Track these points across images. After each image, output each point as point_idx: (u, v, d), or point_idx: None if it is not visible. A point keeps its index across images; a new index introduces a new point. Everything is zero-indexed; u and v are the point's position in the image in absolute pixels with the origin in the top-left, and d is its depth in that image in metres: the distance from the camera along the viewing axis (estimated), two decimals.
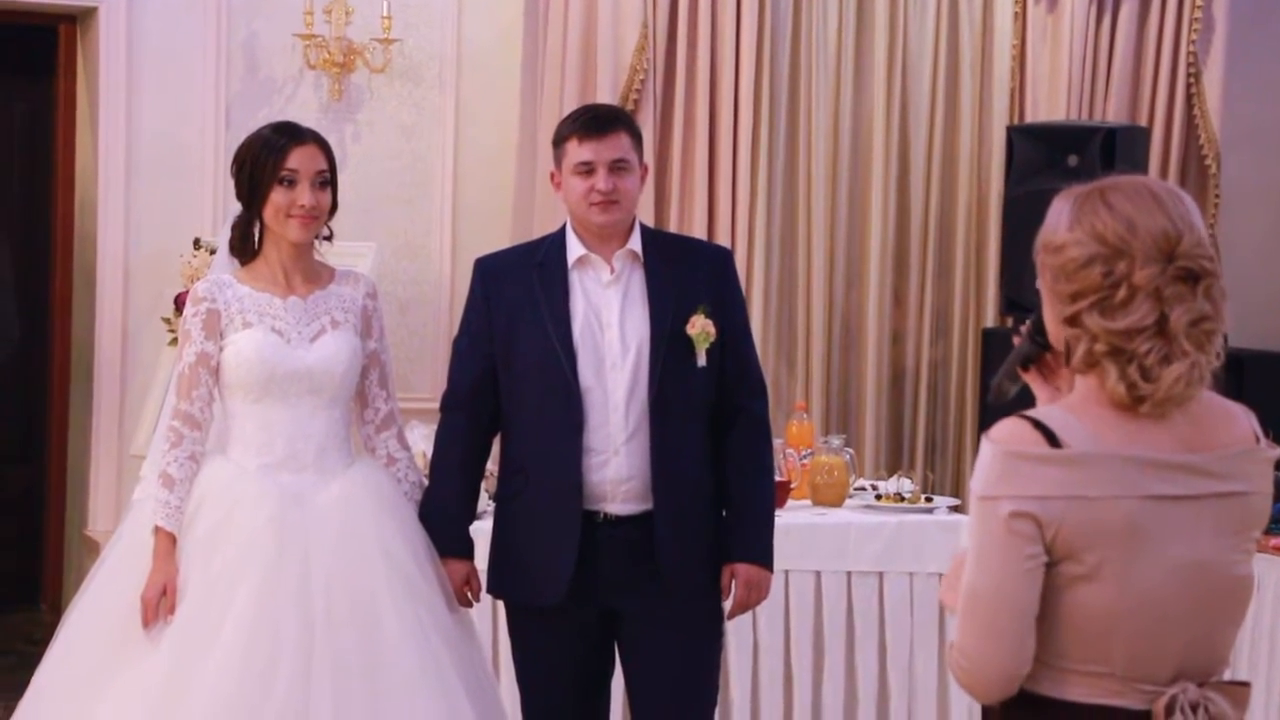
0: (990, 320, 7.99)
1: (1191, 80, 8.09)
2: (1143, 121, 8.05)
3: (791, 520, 5.54)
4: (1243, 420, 2.63)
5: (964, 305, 8.03)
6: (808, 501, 5.90)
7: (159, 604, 3.98)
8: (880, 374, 7.90)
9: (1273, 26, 8.55)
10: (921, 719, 5.72)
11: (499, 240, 6.84)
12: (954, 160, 8.00)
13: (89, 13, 7.46)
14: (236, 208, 4.27)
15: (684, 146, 7.60)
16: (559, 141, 4.32)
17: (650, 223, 6.73)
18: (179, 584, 4.00)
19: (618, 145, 4.26)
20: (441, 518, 4.30)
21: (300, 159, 4.15)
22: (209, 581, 4.00)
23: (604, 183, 4.24)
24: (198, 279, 4.87)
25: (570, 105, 6.85)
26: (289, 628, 3.94)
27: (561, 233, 4.37)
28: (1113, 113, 8.02)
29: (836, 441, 6.03)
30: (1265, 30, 8.51)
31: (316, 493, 4.14)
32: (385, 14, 7.29)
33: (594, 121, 4.29)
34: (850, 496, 5.96)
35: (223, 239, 4.33)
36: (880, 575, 5.70)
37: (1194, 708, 2.53)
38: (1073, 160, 7.43)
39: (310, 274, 4.27)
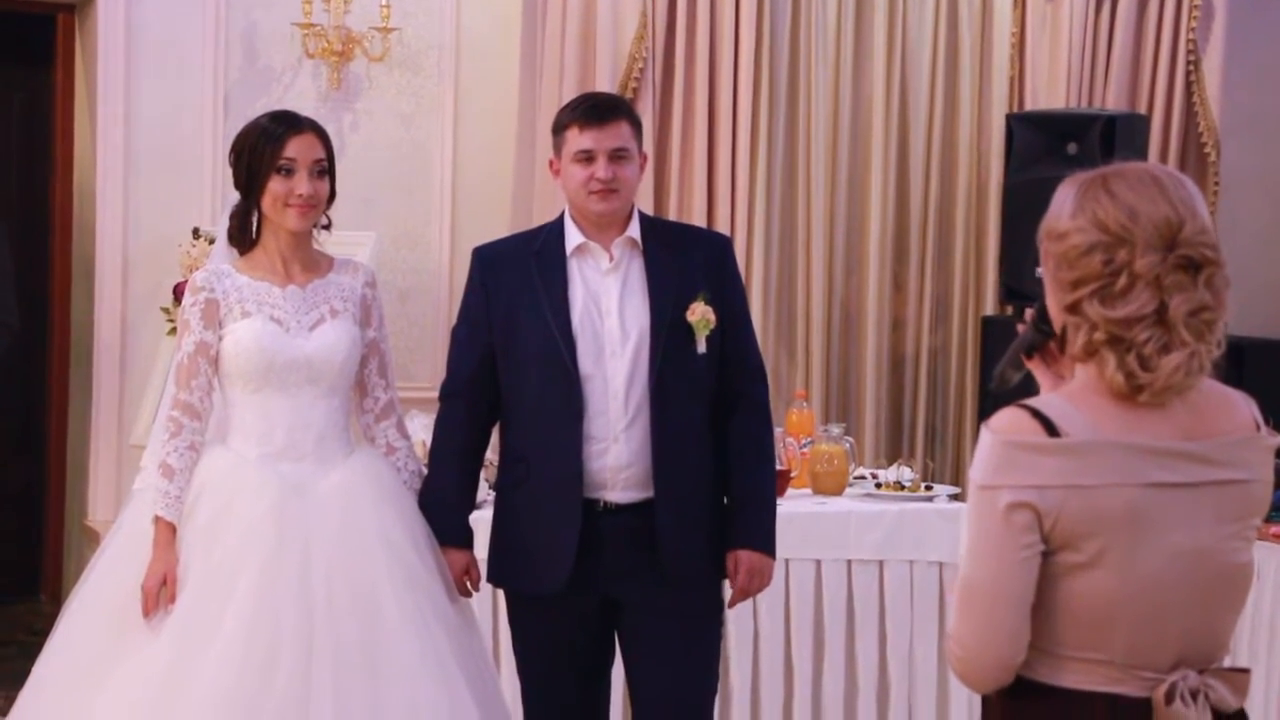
0: (990, 308, 7.99)
1: (1191, 68, 8.09)
2: (1142, 109, 8.04)
3: (792, 509, 5.54)
4: (1243, 407, 2.63)
5: (963, 293, 8.03)
6: (808, 490, 5.90)
7: (159, 594, 3.98)
8: (880, 362, 7.90)
9: (1272, 14, 8.54)
10: (922, 707, 5.72)
11: (498, 229, 6.83)
12: (953, 148, 8.00)
13: (87, 1, 7.45)
14: (235, 197, 4.27)
15: (683, 135, 7.59)
16: (559, 129, 4.32)
17: (649, 211, 6.73)
18: (179, 574, 4.00)
19: (618, 134, 4.25)
20: (441, 507, 4.30)
21: (298, 148, 4.15)
22: (209, 571, 4.00)
23: (604, 171, 4.24)
24: (196, 268, 4.87)
25: (569, 94, 6.85)
26: (289, 617, 3.94)
27: (560, 221, 4.37)
28: (1112, 100, 8.01)
29: (836, 430, 6.04)
30: (1264, 18, 8.50)
31: (316, 482, 4.14)
32: (384, 2, 7.28)
33: (594, 110, 4.28)
34: (850, 485, 5.96)
35: (221, 228, 4.33)
36: (880, 564, 5.70)
37: (1194, 695, 2.53)
38: (1072, 148, 7.43)
39: (309, 263, 4.26)
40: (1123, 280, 2.49)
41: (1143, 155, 7.54)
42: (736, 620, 5.45)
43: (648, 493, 4.24)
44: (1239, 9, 8.20)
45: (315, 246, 4.31)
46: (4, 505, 8.60)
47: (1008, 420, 2.52)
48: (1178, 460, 2.51)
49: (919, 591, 5.71)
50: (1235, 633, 2.71)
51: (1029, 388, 2.72)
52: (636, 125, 4.34)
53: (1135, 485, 2.49)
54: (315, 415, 4.18)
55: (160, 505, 4.05)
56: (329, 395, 4.20)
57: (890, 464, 6.42)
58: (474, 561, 4.33)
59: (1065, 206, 2.57)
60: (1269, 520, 5.33)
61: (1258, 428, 2.62)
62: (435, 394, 4.48)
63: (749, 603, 4.89)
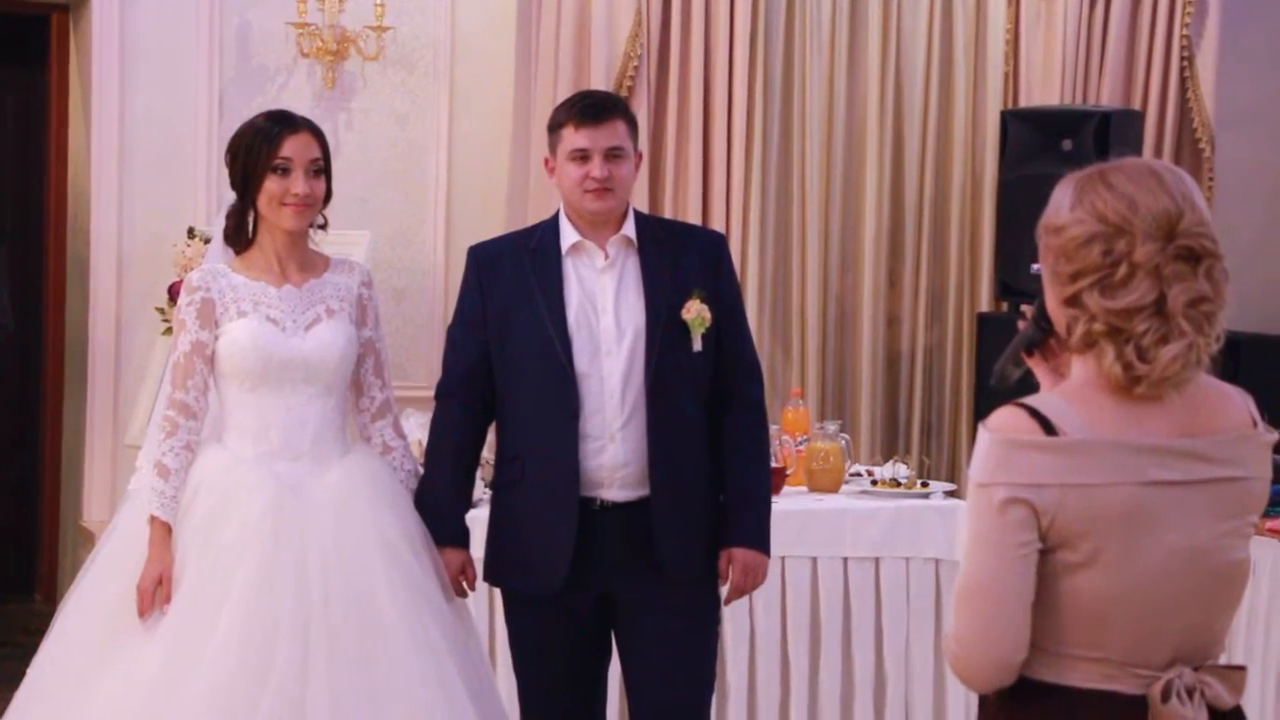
0: (985, 304, 7.99)
1: (1185, 63, 8.09)
2: (1137, 105, 8.04)
3: (788, 506, 5.54)
4: (1240, 404, 2.63)
5: (959, 289, 8.03)
6: (804, 488, 5.90)
7: (155, 593, 3.98)
8: (875, 359, 7.90)
9: (1266, 9, 8.54)
10: (918, 703, 5.72)
11: (493, 227, 6.83)
12: (948, 144, 7.99)
13: (81, 2, 7.44)
14: (230, 196, 4.27)
15: (678, 133, 7.59)
16: (554, 128, 4.32)
17: (645, 209, 6.73)
18: (175, 573, 4.00)
19: (613, 132, 4.25)
20: (437, 506, 4.29)
21: (294, 147, 4.15)
22: (205, 571, 4.00)
23: (599, 170, 4.23)
24: (191, 268, 4.87)
25: (564, 92, 6.84)
26: (286, 616, 3.94)
27: (555, 219, 4.37)
28: (1107, 96, 8.01)
29: (832, 427, 6.03)
30: (1258, 13, 8.50)
31: (313, 481, 4.13)
32: (378, 1, 7.27)
33: (590, 108, 4.28)
34: (846, 482, 5.96)
35: (217, 228, 4.32)
36: (876, 561, 5.70)
37: (1190, 692, 2.53)
38: (1067, 144, 7.43)
39: (305, 262, 4.26)
40: (1122, 270, 2.48)
41: (1137, 151, 7.53)
42: (733, 618, 5.45)
43: (644, 491, 4.24)
44: (1233, 4, 8.20)
45: (311, 246, 4.31)
46: None
47: (1005, 419, 2.52)
48: (1175, 458, 2.51)
49: (915, 588, 5.71)
50: (1231, 629, 2.71)
51: (1029, 385, 2.72)
52: (632, 124, 4.34)
53: (1133, 483, 2.49)
54: (311, 414, 4.18)
55: (156, 505, 4.05)
56: (325, 395, 4.20)
57: (886, 461, 6.42)
58: (470, 560, 4.33)
59: (1064, 201, 2.56)
60: (1266, 516, 5.33)
61: (1255, 424, 2.61)
62: (431, 393, 4.48)
63: (745, 600, 4.88)
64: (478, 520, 4.44)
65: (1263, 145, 8.51)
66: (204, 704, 3.85)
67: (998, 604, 2.50)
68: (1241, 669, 2.62)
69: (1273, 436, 2.63)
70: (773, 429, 5.25)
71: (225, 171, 4.26)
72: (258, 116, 4.25)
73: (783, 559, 5.53)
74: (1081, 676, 2.54)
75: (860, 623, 5.68)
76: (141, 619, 3.97)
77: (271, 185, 4.14)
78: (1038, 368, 2.74)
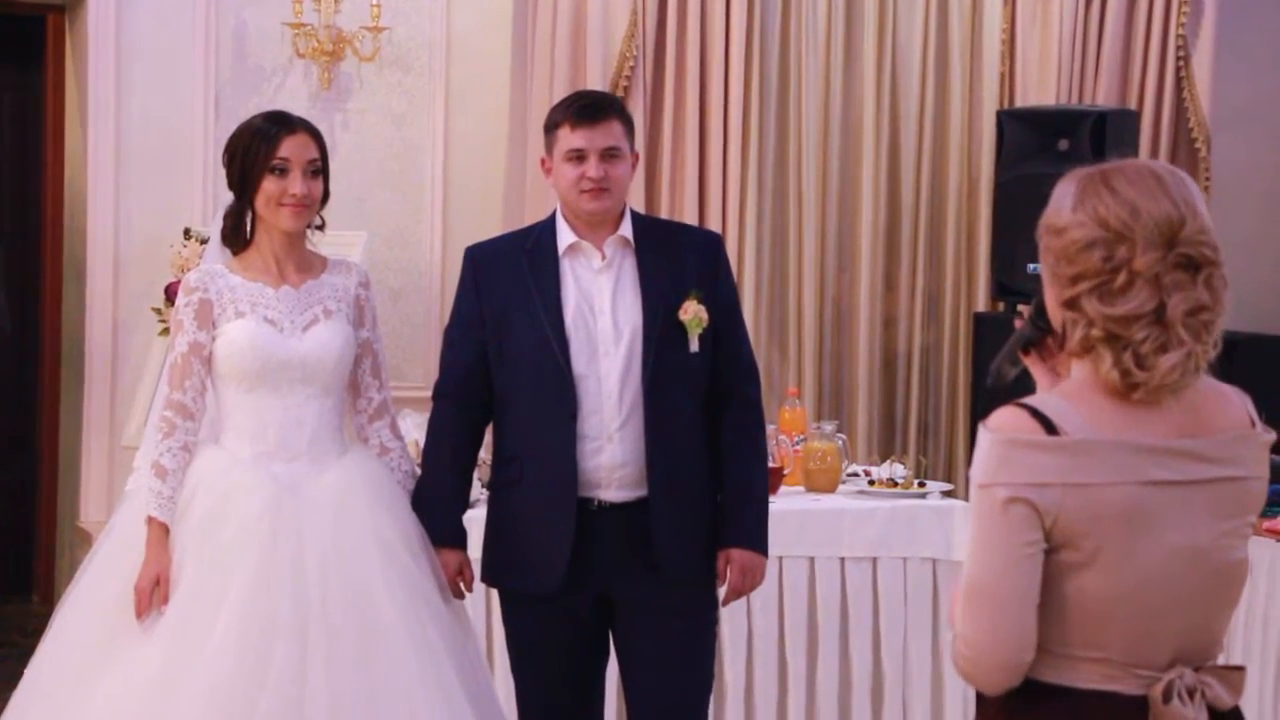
0: (981, 304, 7.99)
1: (1181, 63, 8.10)
2: (1133, 105, 8.05)
3: (785, 506, 5.54)
4: (1238, 404, 2.62)
5: (955, 289, 8.03)
6: (801, 488, 5.90)
7: (152, 594, 3.98)
8: (872, 359, 7.91)
9: (1262, 8, 8.55)
10: (916, 703, 5.72)
11: (490, 228, 6.83)
12: (944, 144, 8.00)
13: (77, 2, 7.44)
14: (227, 197, 4.27)
15: (674, 133, 7.59)
16: (551, 128, 4.32)
17: (641, 209, 6.73)
18: (173, 574, 4.00)
19: (610, 133, 4.25)
20: (434, 507, 4.29)
21: (292, 148, 4.14)
22: (203, 571, 4.00)
23: (595, 170, 4.23)
24: (188, 269, 4.87)
25: (560, 92, 6.85)
26: (284, 617, 3.94)
27: (552, 220, 4.36)
28: (1103, 96, 8.02)
29: (829, 427, 6.03)
30: (1254, 13, 8.51)
31: (310, 482, 4.13)
32: (374, 2, 7.28)
33: (586, 109, 4.28)
34: (843, 482, 5.96)
35: (215, 228, 4.32)
36: (874, 561, 5.70)
37: (1191, 693, 2.52)
38: (1063, 144, 7.44)
39: (303, 263, 4.26)
40: (1122, 277, 2.48)
41: (1133, 151, 7.54)
42: (730, 618, 5.45)
43: (641, 491, 4.24)
44: (1229, 4, 8.21)
45: (309, 247, 4.31)
46: None
47: (1006, 419, 2.51)
48: (1175, 458, 2.51)
49: (912, 588, 5.71)
50: (1228, 629, 2.71)
51: (1025, 383, 2.72)
52: (628, 124, 4.34)
53: (1133, 483, 2.48)
54: (308, 415, 4.18)
55: (153, 505, 4.05)
56: (323, 395, 4.20)
57: (883, 461, 6.41)
58: (468, 561, 4.33)
59: (1065, 201, 2.55)
60: (1263, 516, 5.33)
61: (1253, 424, 2.61)
62: (428, 393, 4.48)
63: (743, 601, 4.88)
64: (475, 521, 4.44)
65: (1259, 145, 8.51)
66: (202, 704, 3.85)
67: (1004, 605, 2.49)
68: (1241, 669, 2.62)
69: (1270, 436, 2.63)
70: (770, 429, 5.26)
71: (222, 172, 4.26)
72: (255, 117, 4.25)
73: (780, 559, 5.53)
74: (1082, 677, 2.54)
75: (857, 622, 5.68)
76: (139, 619, 3.97)
77: (269, 186, 4.14)
78: (1034, 366, 2.74)
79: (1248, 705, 2.71)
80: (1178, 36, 8.08)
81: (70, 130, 7.76)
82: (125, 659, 3.96)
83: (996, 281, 7.73)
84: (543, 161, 4.38)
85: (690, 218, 7.47)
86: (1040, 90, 8.01)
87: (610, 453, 4.22)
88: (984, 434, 2.52)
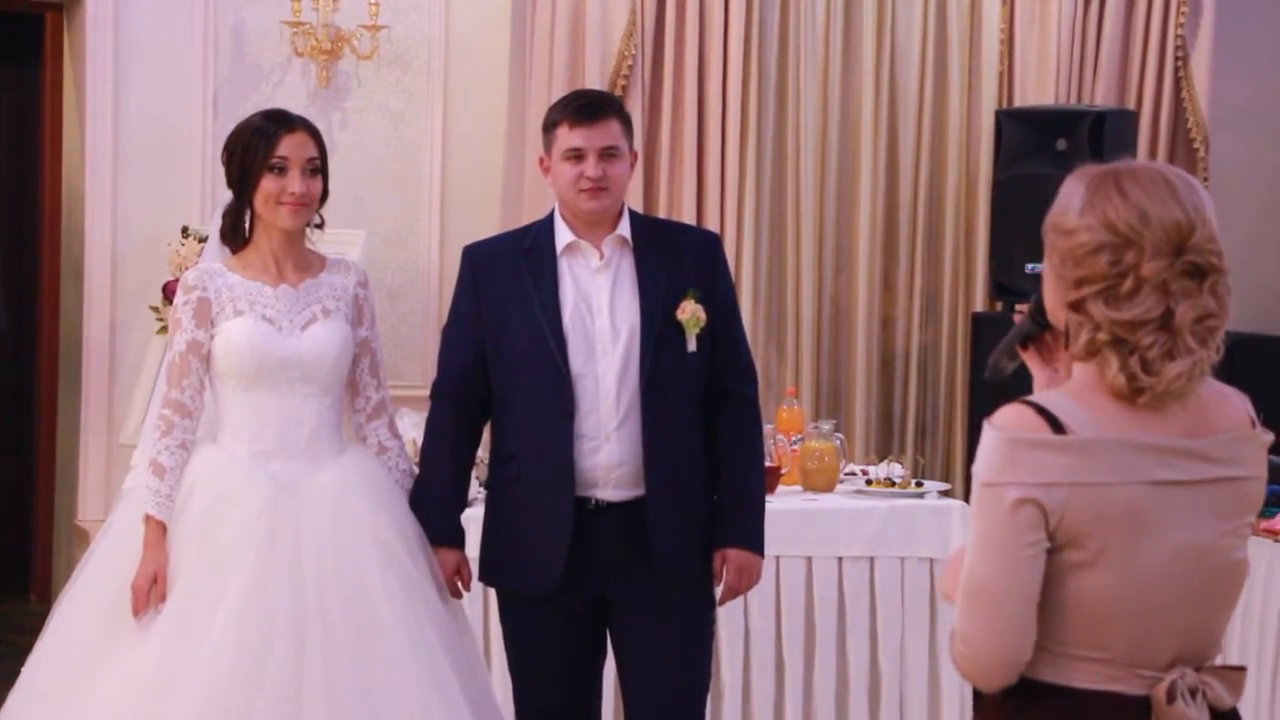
0: (980, 304, 7.99)
1: (1179, 63, 8.09)
2: (1131, 105, 8.05)
3: (782, 506, 5.54)
4: (1238, 405, 2.62)
5: (953, 289, 8.03)
6: (798, 487, 5.90)
7: (150, 592, 3.98)
8: (870, 358, 7.91)
9: (1260, 8, 8.55)
10: (913, 703, 5.72)
11: (488, 227, 6.83)
12: (943, 144, 8.00)
13: (76, 0, 7.43)
14: (225, 196, 4.27)
15: (672, 132, 7.59)
16: (549, 127, 4.31)
17: (639, 208, 6.73)
18: (170, 572, 4.00)
19: (608, 132, 4.25)
20: (432, 506, 4.29)
21: (291, 146, 4.14)
22: (200, 570, 4.00)
23: (594, 169, 4.23)
24: (186, 267, 4.87)
25: (558, 91, 6.84)
26: (281, 615, 3.94)
27: (550, 219, 4.36)
28: (1101, 96, 8.01)
29: (827, 426, 6.03)
30: (1253, 13, 8.50)
31: (308, 481, 4.13)
32: (372, 1, 7.27)
33: (585, 108, 4.28)
34: (841, 482, 5.96)
35: (214, 227, 4.32)
36: (871, 560, 5.70)
37: (1193, 693, 2.52)
38: (1061, 144, 7.44)
39: (301, 262, 4.26)
40: (1129, 283, 2.47)
41: (1132, 151, 7.54)
42: (727, 618, 5.45)
43: (639, 491, 4.24)
44: (1227, 4, 8.20)
45: (308, 245, 4.31)
46: None
47: (1012, 416, 2.51)
48: (1179, 458, 2.51)
49: (910, 588, 5.71)
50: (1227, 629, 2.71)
51: (1023, 377, 2.72)
52: (627, 123, 4.34)
53: (1138, 483, 2.48)
54: (307, 414, 4.18)
55: (151, 504, 4.05)
56: (321, 394, 4.20)
57: (881, 460, 6.42)
58: (465, 561, 4.33)
59: (1074, 202, 2.54)
60: (1261, 516, 5.33)
61: (1253, 424, 2.61)
62: (425, 392, 4.48)
63: (740, 600, 4.88)
64: (473, 520, 4.43)
65: (1257, 145, 8.51)
66: (200, 703, 3.85)
67: (1005, 603, 2.49)
68: (1241, 669, 2.62)
69: (1269, 437, 2.64)
70: (767, 428, 5.26)
71: (220, 170, 4.26)
72: (254, 115, 4.25)
73: (777, 558, 5.53)
74: (1084, 677, 2.54)
75: (855, 622, 5.68)
76: (137, 618, 3.97)
77: (268, 184, 4.14)
78: (1032, 362, 2.74)
79: (1245, 705, 2.71)
80: (1176, 36, 8.07)
81: (68, 129, 7.76)
82: (123, 657, 3.96)
83: (995, 281, 7.73)
84: (541, 161, 4.38)
85: (688, 217, 7.46)
86: (1039, 90, 8.01)
87: (608, 452, 4.22)
88: (989, 431, 2.51)
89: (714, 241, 4.52)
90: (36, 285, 8.04)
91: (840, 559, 5.68)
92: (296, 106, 6.02)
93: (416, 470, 4.38)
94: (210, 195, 7.01)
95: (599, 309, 4.27)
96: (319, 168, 4.20)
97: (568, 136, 4.25)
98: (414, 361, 7.44)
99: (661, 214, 7.41)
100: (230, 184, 4.21)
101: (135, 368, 7.04)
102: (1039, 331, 2.70)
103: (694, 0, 7.55)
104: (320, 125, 4.45)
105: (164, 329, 6.53)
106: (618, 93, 7.30)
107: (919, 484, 5.99)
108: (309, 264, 4.28)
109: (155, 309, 6.92)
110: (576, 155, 4.25)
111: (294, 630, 3.93)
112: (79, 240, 7.38)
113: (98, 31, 7.20)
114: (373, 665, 3.96)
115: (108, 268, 7.21)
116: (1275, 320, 8.04)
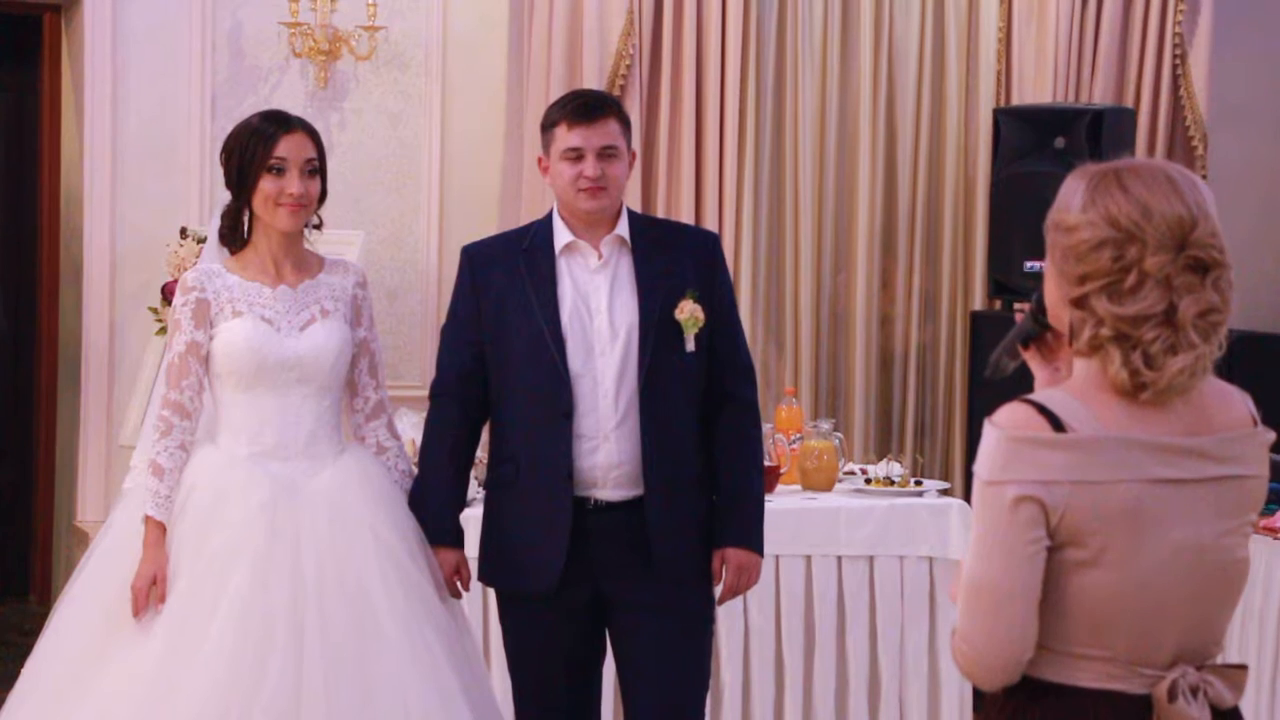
0: (978, 303, 7.99)
1: (1177, 61, 8.09)
2: (1129, 103, 8.05)
3: (781, 505, 5.54)
4: (1239, 403, 2.62)
5: (952, 288, 8.03)
6: (797, 486, 5.90)
7: (149, 593, 3.98)
8: (869, 358, 7.91)
9: (1258, 6, 8.55)
10: (913, 702, 5.73)
11: (486, 227, 6.83)
12: (941, 143, 8.00)
13: (74, 1, 7.43)
14: (223, 197, 4.27)
15: (670, 132, 7.59)
16: (548, 127, 4.31)
17: (637, 208, 6.73)
18: (169, 573, 4.00)
19: (607, 131, 4.25)
20: (431, 506, 4.29)
21: (289, 147, 4.15)
22: (199, 570, 4.00)
23: (592, 169, 4.23)
24: (185, 268, 4.87)
25: (556, 91, 6.85)
26: (280, 616, 3.94)
27: (549, 219, 4.36)
28: (1099, 94, 8.02)
29: (826, 425, 6.03)
30: (1251, 10, 8.50)
31: (307, 481, 4.14)
32: (370, 1, 7.27)
33: (583, 107, 4.28)
34: (840, 481, 5.96)
35: (212, 228, 4.32)
36: (870, 559, 5.70)
37: (1194, 692, 2.52)
38: (1060, 142, 7.44)
39: (300, 263, 4.26)
40: (1131, 278, 2.47)
41: (1130, 149, 7.54)
42: (727, 617, 5.45)
43: (638, 491, 4.24)
44: (1225, 2, 8.21)
45: (306, 246, 4.31)
46: None
47: (1013, 415, 2.50)
48: (1180, 456, 2.51)
49: (909, 586, 5.71)
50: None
51: (1024, 376, 2.72)
52: (625, 123, 4.34)
53: (1139, 481, 2.48)
54: (305, 414, 4.18)
55: (150, 504, 4.05)
56: (320, 395, 4.20)
57: (880, 459, 6.42)
58: (464, 561, 4.33)
59: (1075, 199, 2.54)
60: (1261, 514, 5.33)
61: (1254, 423, 2.61)
62: (424, 392, 4.48)
63: (739, 599, 4.88)
64: (472, 520, 4.43)
65: (1255, 142, 8.52)
66: (199, 702, 3.85)
67: (1006, 602, 2.49)
68: (1243, 668, 2.62)
69: (1270, 435, 2.64)
70: (766, 427, 5.26)
71: (218, 171, 4.26)
72: (253, 116, 4.25)
73: (776, 558, 5.54)
74: (1085, 676, 2.53)
75: (854, 621, 5.68)
76: (136, 618, 3.98)
77: (266, 185, 4.14)
78: (1033, 361, 2.74)
79: (1245, 704, 2.71)
80: (1174, 34, 8.07)
81: (67, 130, 7.76)
82: (122, 658, 3.97)
83: (993, 280, 7.73)
84: (540, 161, 4.38)
85: (687, 217, 7.46)
86: (1037, 88, 8.01)
87: (606, 452, 4.22)
88: (990, 430, 2.51)
89: (713, 241, 4.52)
90: (35, 286, 8.03)
91: (839, 558, 5.68)
92: (295, 107, 6.03)
93: (415, 470, 4.38)
94: (209, 196, 7.01)
95: (598, 309, 4.27)
96: (317, 169, 4.20)
97: (566, 136, 4.25)
98: (413, 362, 7.44)
99: (660, 214, 7.41)
100: (229, 185, 4.21)
101: (134, 369, 7.04)
102: (1040, 331, 2.70)
103: (691, 1, 7.54)
104: (318, 126, 4.45)
105: (163, 330, 6.54)
106: (615, 93, 7.30)
107: (918, 483, 5.99)
108: (307, 265, 4.28)
109: (154, 310, 6.92)
110: (575, 155, 4.25)
111: (293, 630, 3.93)
112: (78, 241, 7.37)
113: (96, 32, 7.20)
114: (372, 665, 3.96)
115: (106, 269, 7.21)
116: (1275, 318, 8.05)
